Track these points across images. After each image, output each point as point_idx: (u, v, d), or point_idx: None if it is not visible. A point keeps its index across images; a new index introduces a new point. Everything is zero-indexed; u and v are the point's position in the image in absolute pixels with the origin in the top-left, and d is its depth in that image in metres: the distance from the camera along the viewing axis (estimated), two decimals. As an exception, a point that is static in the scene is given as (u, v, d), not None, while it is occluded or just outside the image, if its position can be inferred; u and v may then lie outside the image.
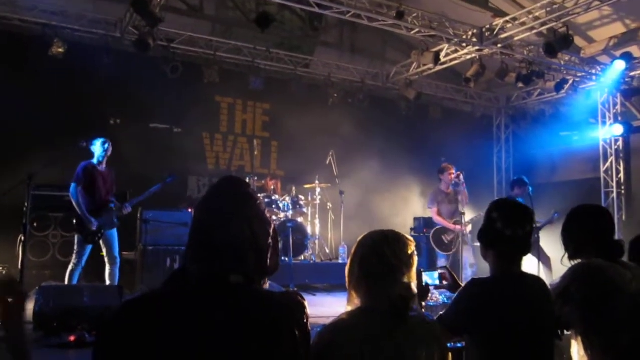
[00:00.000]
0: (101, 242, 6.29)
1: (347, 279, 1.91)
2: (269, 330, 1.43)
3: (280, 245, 8.26)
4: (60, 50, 8.33)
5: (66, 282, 6.10)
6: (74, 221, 6.16)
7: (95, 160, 6.31)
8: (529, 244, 2.36)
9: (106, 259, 6.34)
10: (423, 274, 2.62)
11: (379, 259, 1.82)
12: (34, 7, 8.32)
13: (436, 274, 2.86)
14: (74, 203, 6.06)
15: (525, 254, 2.38)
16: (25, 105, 7.97)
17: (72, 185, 6.08)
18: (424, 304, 2.53)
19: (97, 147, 6.31)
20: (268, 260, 1.57)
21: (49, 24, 8.39)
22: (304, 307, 1.56)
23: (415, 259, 1.87)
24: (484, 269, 2.58)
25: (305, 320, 1.54)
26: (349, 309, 1.86)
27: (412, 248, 1.86)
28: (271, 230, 1.57)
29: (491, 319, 2.20)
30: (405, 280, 1.80)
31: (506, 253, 2.34)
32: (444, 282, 2.82)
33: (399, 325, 1.73)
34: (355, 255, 1.90)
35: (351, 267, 1.89)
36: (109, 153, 6.41)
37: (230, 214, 1.52)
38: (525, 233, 2.31)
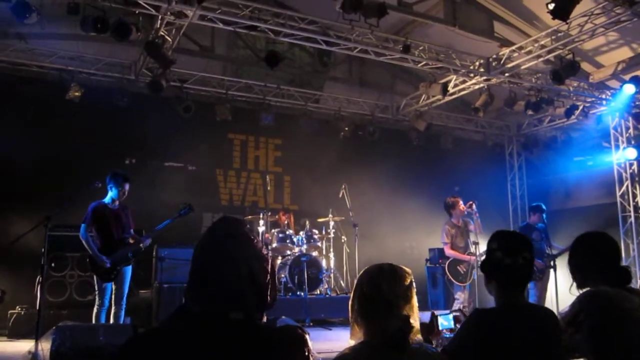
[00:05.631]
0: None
1: (349, 313, 1.95)
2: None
3: (294, 280, 8.31)
4: (77, 93, 8.59)
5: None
6: (88, 261, 6.17)
7: (108, 199, 6.22)
8: (531, 272, 2.37)
9: (112, 298, 6.16)
10: (439, 317, 2.60)
11: (375, 293, 1.85)
12: (52, 54, 8.63)
13: (451, 317, 2.87)
14: (84, 243, 6.05)
15: (527, 282, 2.38)
16: (43, 148, 8.20)
17: (82, 226, 6.06)
18: (434, 342, 2.50)
19: (114, 185, 6.18)
20: (267, 297, 1.61)
21: (65, 69, 8.68)
22: (305, 341, 1.58)
23: (414, 290, 1.89)
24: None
25: (307, 354, 1.56)
26: (352, 342, 1.88)
27: (408, 280, 1.89)
28: (269, 267, 1.62)
29: (494, 349, 2.20)
30: (404, 312, 1.82)
31: (508, 282, 2.34)
32: (458, 326, 2.81)
33: (398, 358, 1.74)
34: (354, 290, 1.95)
35: (352, 301, 1.94)
36: (126, 192, 6.27)
37: (228, 255, 1.57)
38: (526, 261, 2.32)
